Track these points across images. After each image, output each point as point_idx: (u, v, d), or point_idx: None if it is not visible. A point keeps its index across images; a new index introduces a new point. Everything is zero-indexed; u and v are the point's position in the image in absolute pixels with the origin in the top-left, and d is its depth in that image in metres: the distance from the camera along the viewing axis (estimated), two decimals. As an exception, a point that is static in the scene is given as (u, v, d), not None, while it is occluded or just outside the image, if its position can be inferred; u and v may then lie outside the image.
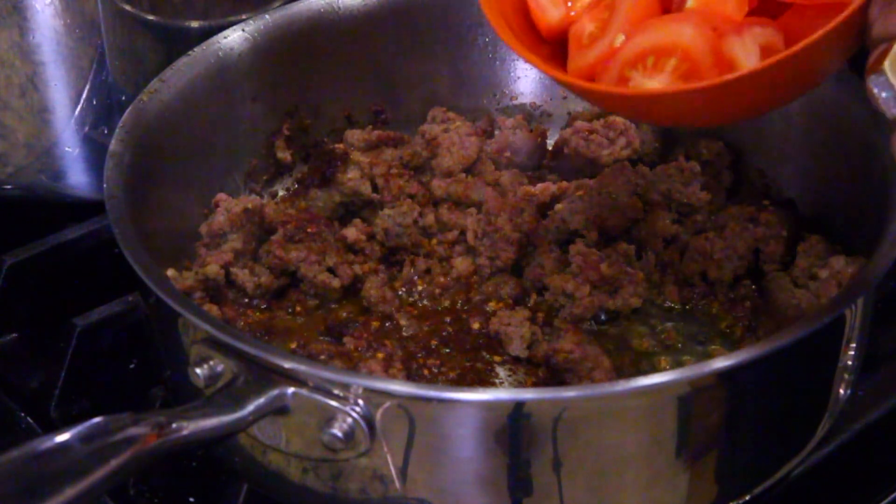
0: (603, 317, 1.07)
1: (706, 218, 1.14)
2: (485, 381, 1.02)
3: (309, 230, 1.11)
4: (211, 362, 0.87)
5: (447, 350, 1.06)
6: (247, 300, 1.09)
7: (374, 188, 1.19)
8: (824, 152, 1.11)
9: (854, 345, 0.95)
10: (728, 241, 1.10)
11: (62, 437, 0.76)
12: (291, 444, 0.87)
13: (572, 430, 0.84)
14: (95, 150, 1.22)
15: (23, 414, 1.09)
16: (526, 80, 1.30)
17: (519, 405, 0.83)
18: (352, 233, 1.13)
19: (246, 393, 0.84)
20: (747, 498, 0.94)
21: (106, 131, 1.21)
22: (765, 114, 1.04)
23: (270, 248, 1.10)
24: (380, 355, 1.03)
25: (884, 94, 0.81)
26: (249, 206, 1.11)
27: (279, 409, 0.84)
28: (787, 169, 1.16)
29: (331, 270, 1.10)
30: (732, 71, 0.85)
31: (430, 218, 1.15)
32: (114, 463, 0.76)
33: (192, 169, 1.13)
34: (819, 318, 0.88)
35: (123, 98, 1.21)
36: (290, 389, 0.84)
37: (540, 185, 1.18)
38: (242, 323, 1.07)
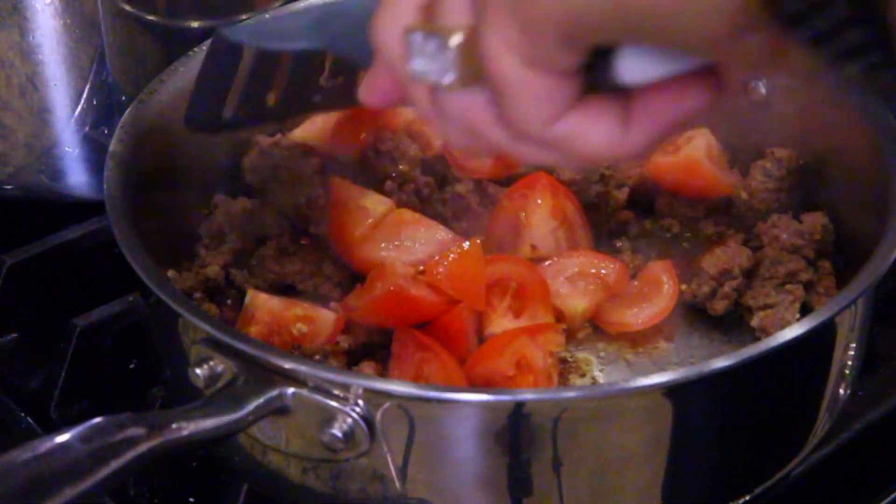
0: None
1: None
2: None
3: (302, 241, 1.10)
4: (211, 362, 0.87)
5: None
6: (246, 300, 1.09)
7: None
8: (824, 152, 1.11)
9: (854, 345, 0.95)
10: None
11: (62, 438, 0.76)
12: (291, 444, 0.87)
13: (572, 430, 0.84)
14: (95, 150, 1.22)
15: (23, 414, 1.09)
16: (526, 79, 1.30)
17: (519, 405, 0.82)
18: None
19: (246, 393, 0.84)
20: (747, 498, 0.94)
21: (106, 131, 1.21)
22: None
23: (265, 262, 1.09)
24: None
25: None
26: (249, 206, 1.11)
27: (279, 410, 0.84)
28: (786, 169, 1.16)
29: (329, 278, 1.09)
30: None
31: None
32: (114, 463, 0.76)
33: (192, 169, 1.13)
34: (818, 318, 0.88)
35: (123, 98, 1.20)
36: (290, 390, 0.84)
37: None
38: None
